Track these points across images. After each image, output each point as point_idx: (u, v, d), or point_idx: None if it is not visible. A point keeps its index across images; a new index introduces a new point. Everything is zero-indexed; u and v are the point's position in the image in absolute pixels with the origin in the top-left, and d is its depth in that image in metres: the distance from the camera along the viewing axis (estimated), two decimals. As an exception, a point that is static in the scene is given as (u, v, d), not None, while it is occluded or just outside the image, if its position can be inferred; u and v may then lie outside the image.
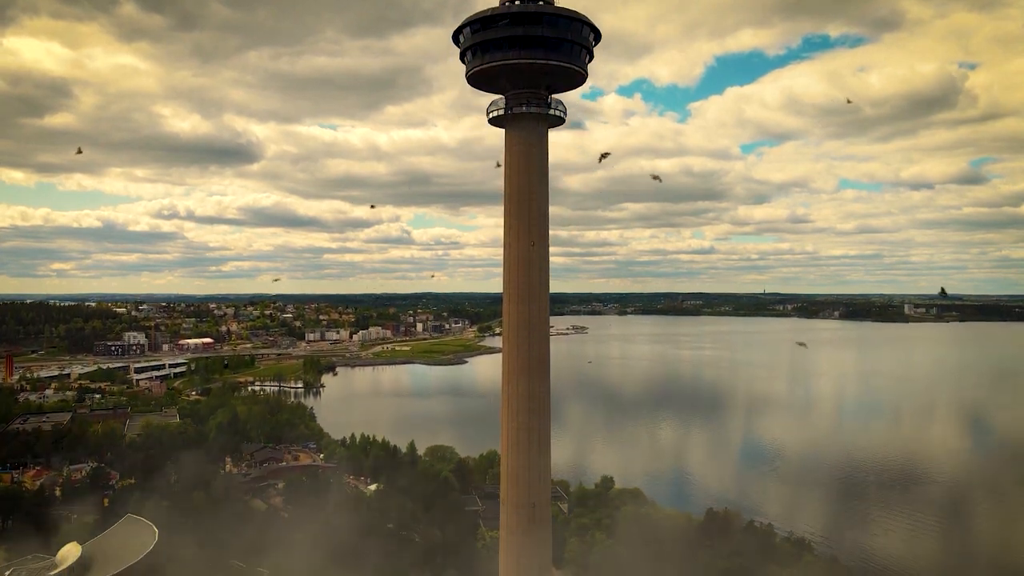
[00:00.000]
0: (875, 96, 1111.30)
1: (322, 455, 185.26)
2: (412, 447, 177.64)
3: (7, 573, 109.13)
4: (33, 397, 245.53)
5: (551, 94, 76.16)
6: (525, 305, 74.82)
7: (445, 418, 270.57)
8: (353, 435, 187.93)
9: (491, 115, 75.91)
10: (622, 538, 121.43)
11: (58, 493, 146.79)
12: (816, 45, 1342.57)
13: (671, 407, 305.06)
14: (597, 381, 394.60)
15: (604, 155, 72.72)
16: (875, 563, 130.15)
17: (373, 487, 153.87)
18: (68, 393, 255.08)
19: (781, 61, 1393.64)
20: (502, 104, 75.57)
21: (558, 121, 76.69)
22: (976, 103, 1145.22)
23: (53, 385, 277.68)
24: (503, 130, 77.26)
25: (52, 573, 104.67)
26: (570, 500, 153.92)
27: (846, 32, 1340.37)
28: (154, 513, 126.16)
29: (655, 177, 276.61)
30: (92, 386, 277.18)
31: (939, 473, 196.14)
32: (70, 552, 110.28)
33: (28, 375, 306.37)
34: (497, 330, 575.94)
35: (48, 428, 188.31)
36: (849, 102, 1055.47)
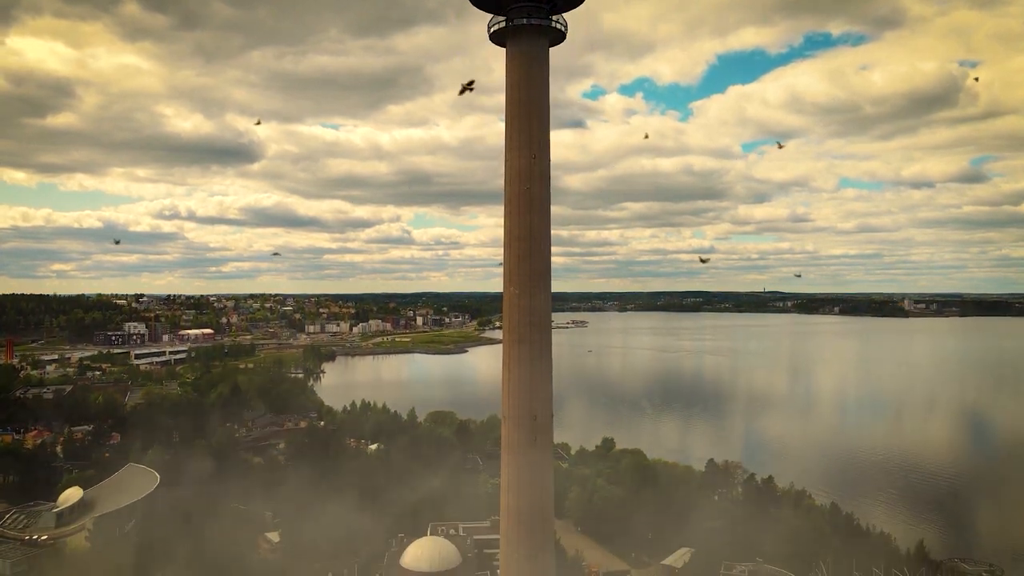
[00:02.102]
0: (876, 94, 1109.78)
1: (323, 423, 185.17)
2: (413, 414, 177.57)
3: (9, 515, 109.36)
4: (35, 373, 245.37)
5: (552, 12, 76.38)
6: (527, 216, 74.88)
7: (446, 396, 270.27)
8: (354, 402, 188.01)
9: (492, 29, 76.14)
10: (624, 484, 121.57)
11: (59, 451, 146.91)
12: (818, 43, 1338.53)
13: (672, 388, 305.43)
14: (597, 366, 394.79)
15: (467, 86, 62.64)
16: (873, 511, 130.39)
17: (374, 447, 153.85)
18: (69, 370, 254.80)
19: (783, 59, 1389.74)
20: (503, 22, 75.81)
21: (559, 37, 76.90)
22: (977, 101, 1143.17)
23: (54, 365, 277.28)
24: (504, 49, 77.45)
25: (54, 511, 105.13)
26: (571, 460, 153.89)
27: (848, 30, 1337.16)
28: (156, 465, 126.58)
29: (780, 145, 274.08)
30: (93, 365, 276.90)
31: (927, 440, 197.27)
32: (71, 495, 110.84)
33: (29, 357, 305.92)
34: (497, 324, 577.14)
35: (49, 397, 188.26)
36: (976, 80, 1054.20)
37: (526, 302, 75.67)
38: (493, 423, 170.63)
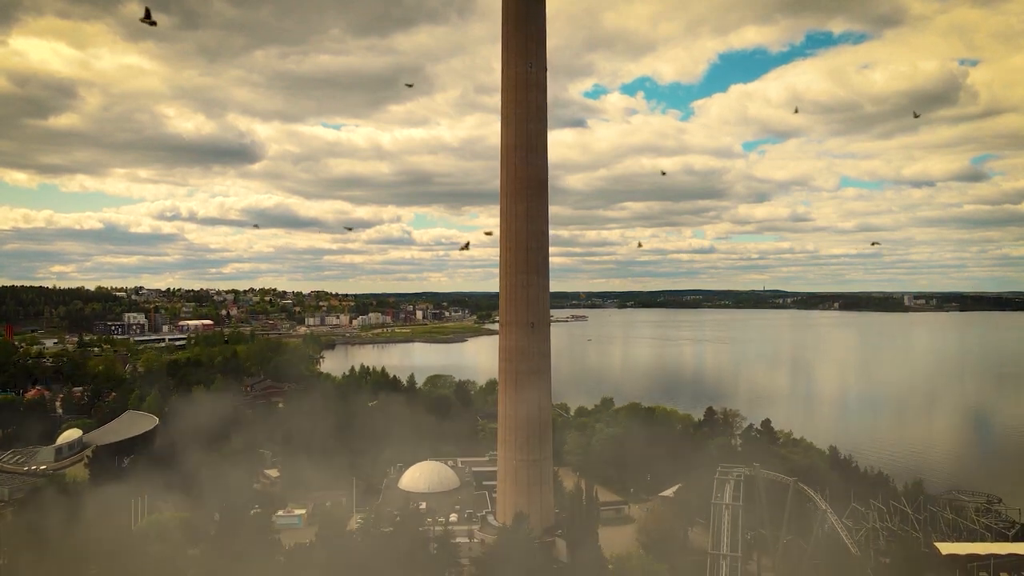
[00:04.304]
0: (877, 93, 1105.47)
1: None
2: (412, 379, 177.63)
3: (7, 455, 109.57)
4: (34, 348, 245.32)
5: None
6: (523, 125, 75.43)
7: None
8: (353, 367, 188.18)
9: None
10: (622, 425, 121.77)
11: (58, 407, 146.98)
12: (819, 42, 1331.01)
13: (672, 369, 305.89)
14: (598, 352, 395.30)
15: (146, 17, 50.59)
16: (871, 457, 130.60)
17: (372, 404, 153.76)
18: (68, 347, 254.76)
19: (785, 58, 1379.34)
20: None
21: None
22: (977, 99, 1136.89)
23: (53, 342, 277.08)
24: None
25: (53, 446, 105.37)
26: (570, 417, 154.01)
27: (849, 28, 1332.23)
28: (155, 412, 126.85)
29: (917, 115, 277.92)
30: (92, 343, 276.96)
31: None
32: (71, 434, 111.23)
33: (29, 339, 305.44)
34: (496, 318, 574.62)
35: (49, 364, 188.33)
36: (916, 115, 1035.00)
37: (523, 209, 76.21)
38: (492, 387, 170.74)
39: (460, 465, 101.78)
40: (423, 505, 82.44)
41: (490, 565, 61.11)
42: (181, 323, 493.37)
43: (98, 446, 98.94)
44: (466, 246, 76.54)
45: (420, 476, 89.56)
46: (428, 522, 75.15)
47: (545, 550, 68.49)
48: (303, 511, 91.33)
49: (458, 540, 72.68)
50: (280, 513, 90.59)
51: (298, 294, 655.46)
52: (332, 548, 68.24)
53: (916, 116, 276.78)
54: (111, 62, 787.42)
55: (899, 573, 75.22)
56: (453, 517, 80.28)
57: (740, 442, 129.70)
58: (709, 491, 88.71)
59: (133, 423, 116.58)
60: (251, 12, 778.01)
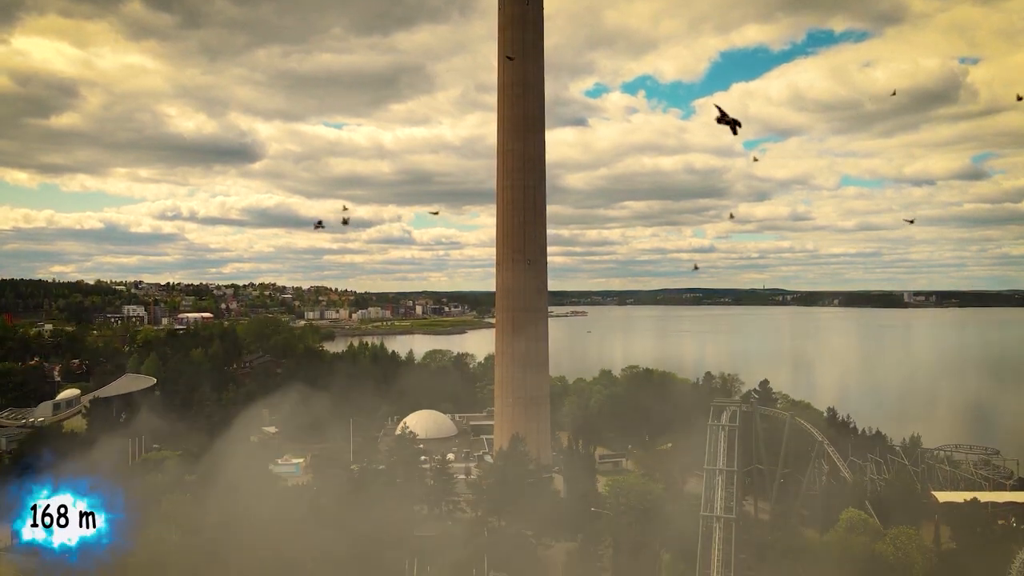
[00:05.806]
0: (879, 91, 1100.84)
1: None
2: (411, 355, 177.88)
3: (5, 412, 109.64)
4: (33, 330, 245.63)
5: None
6: (520, 65, 75.56)
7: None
8: (351, 343, 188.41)
9: None
10: (620, 386, 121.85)
11: (56, 375, 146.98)
12: (821, 40, 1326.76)
13: (673, 353, 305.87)
14: (598, 342, 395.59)
15: None
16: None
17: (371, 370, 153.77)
18: (67, 329, 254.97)
19: (786, 56, 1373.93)
20: None
21: None
22: (977, 97, 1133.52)
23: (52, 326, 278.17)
24: None
25: (51, 402, 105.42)
26: (568, 385, 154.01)
27: (850, 27, 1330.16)
28: (153, 375, 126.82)
29: (1021, 97, 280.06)
30: (91, 327, 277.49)
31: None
32: (69, 393, 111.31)
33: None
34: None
35: (48, 339, 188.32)
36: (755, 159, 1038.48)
37: (519, 147, 76.39)
38: (490, 362, 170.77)
39: (458, 419, 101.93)
40: (420, 447, 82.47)
41: (486, 487, 61.15)
42: (180, 315, 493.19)
43: (96, 398, 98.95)
44: (319, 224, 75.55)
45: (418, 423, 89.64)
46: (424, 459, 75.21)
47: (544, 482, 68.51)
48: (301, 460, 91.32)
49: (456, 477, 72.67)
50: (278, 462, 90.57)
51: (298, 289, 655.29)
52: (328, 481, 68.36)
53: (1020, 99, 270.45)
54: (113, 61, 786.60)
55: (895, 519, 75.12)
56: (450, 456, 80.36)
57: (739, 400, 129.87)
58: (704, 442, 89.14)
59: (131, 383, 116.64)
60: (253, 11, 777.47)
